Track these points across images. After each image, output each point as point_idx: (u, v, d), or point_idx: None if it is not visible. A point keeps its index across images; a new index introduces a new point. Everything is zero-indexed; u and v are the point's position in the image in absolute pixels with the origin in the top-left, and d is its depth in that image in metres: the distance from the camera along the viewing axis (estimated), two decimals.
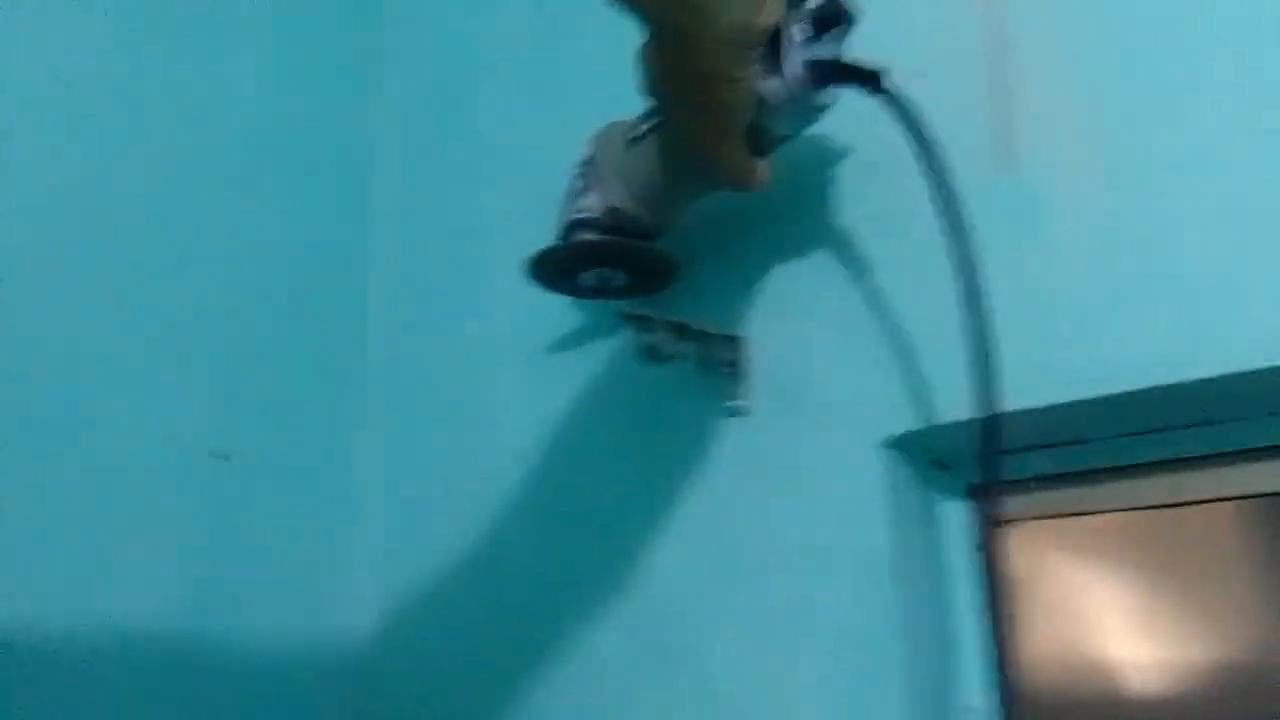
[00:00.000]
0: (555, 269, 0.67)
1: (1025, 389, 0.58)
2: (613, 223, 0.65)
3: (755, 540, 0.68)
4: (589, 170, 0.66)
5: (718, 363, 0.70)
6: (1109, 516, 0.65)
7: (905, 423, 0.64)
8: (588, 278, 0.67)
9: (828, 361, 0.67)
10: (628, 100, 0.63)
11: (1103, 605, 0.66)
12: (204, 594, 0.78)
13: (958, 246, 0.56)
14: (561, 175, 0.69)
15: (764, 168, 0.62)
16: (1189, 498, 0.62)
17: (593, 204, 0.65)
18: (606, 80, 0.68)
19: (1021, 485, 0.66)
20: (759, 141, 0.61)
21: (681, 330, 0.68)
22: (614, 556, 0.75)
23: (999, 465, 0.54)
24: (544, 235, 0.67)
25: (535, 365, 0.83)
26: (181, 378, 0.80)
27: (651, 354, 0.68)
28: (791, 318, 0.69)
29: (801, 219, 0.69)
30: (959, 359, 0.61)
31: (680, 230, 0.69)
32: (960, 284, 0.56)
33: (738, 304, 0.71)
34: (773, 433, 0.69)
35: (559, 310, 0.81)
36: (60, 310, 0.74)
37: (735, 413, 0.70)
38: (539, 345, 0.83)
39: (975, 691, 0.65)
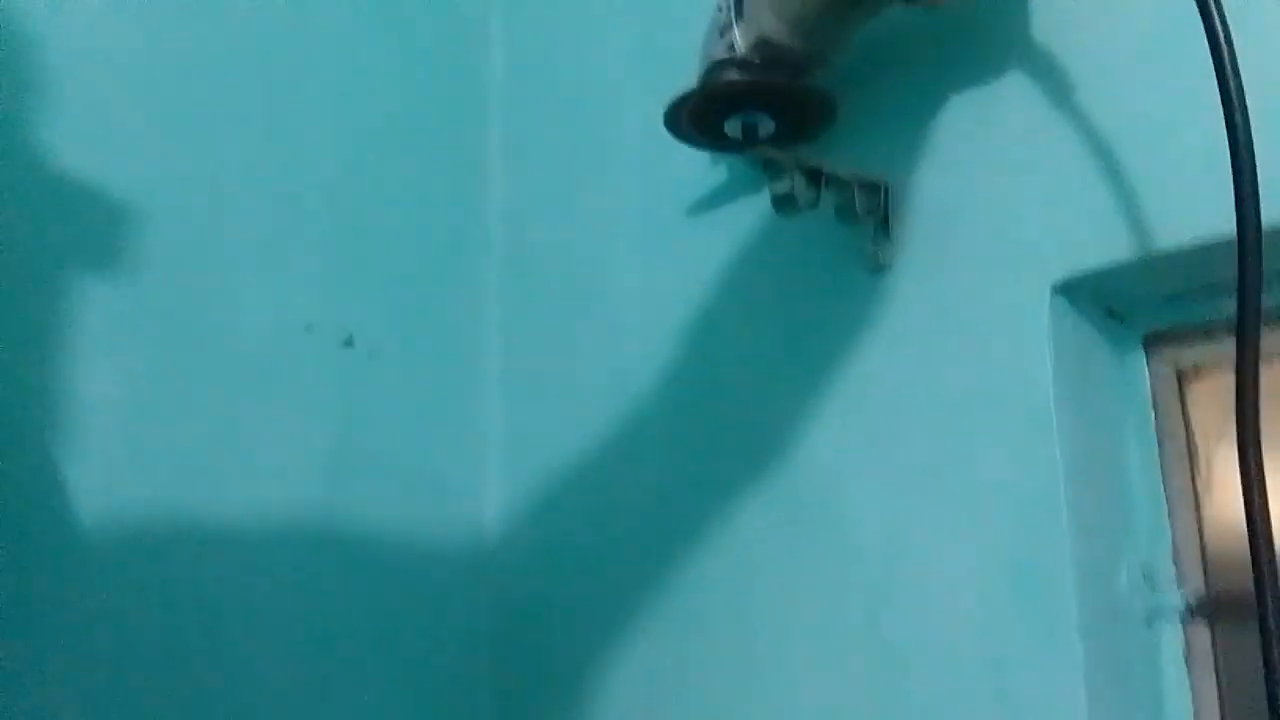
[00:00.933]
0: (696, 118, 0.62)
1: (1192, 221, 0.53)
2: (761, 58, 0.61)
3: (906, 400, 0.64)
4: (734, 2, 0.61)
5: (858, 212, 0.65)
6: None
7: (1075, 266, 0.59)
8: (732, 126, 0.61)
9: (985, 202, 0.62)
10: None
11: None
12: (335, 479, 0.78)
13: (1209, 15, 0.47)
14: (689, 21, 0.65)
15: None
16: None
17: (739, 39, 0.61)
18: None
19: (1205, 332, 0.61)
20: None
21: (817, 177, 0.64)
22: (752, 427, 0.71)
23: (1257, 296, 0.46)
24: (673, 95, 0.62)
25: (664, 235, 0.79)
26: (306, 264, 0.79)
27: (787, 204, 0.64)
28: (942, 156, 0.64)
29: (959, 44, 0.64)
30: (1140, 191, 0.57)
31: (837, 64, 0.63)
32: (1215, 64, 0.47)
33: (880, 147, 0.67)
34: (922, 284, 0.65)
35: (687, 177, 0.77)
36: (192, 204, 0.74)
37: (880, 267, 0.66)
38: (667, 214, 0.79)
39: (1153, 552, 0.61)
